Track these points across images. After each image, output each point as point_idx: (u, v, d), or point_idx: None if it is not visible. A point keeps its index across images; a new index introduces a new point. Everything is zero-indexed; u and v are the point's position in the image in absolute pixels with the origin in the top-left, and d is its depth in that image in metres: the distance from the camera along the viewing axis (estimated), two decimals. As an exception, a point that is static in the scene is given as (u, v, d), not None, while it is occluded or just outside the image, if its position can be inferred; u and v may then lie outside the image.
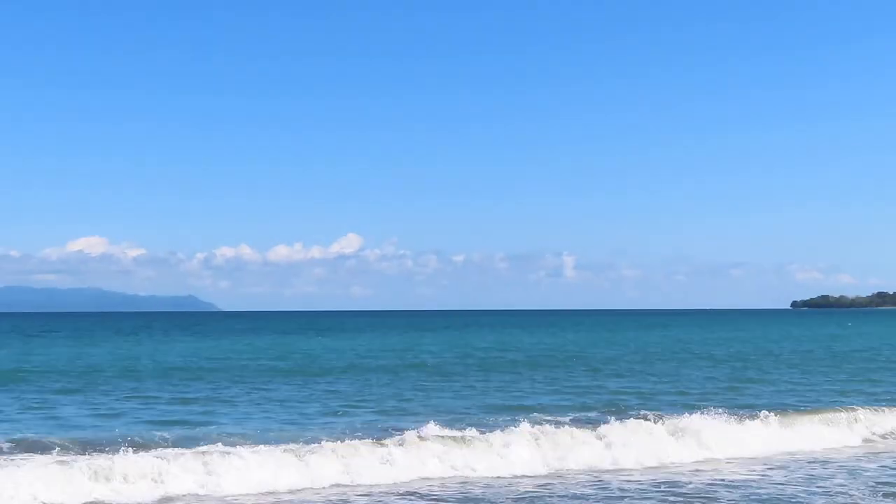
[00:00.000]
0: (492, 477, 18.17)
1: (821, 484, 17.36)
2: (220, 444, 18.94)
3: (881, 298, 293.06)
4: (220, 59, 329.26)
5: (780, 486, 17.09)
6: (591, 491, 16.93)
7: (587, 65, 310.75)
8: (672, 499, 15.97)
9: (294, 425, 25.27)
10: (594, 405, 29.01)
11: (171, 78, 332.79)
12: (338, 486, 17.20)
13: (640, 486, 17.27)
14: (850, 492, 16.35)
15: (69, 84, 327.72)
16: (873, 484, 17.18)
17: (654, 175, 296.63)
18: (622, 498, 16.12)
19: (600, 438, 20.63)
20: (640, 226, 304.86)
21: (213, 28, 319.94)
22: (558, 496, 16.48)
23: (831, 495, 16.06)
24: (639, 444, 20.32)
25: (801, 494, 16.21)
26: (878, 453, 21.64)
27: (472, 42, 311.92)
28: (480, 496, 16.51)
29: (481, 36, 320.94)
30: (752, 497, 16.08)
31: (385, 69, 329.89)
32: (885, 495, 15.92)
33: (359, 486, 17.17)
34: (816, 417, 24.82)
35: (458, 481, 17.85)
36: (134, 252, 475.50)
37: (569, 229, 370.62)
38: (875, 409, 26.67)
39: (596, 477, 18.35)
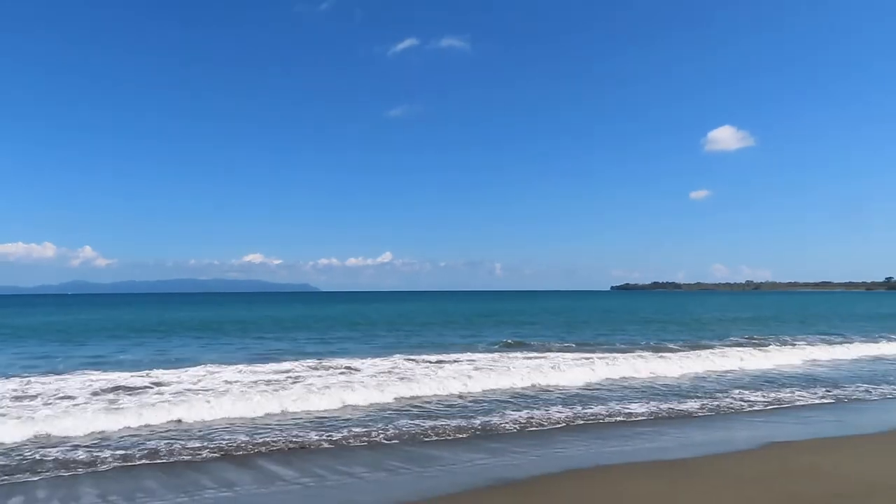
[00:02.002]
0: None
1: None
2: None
3: (655, 285, 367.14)
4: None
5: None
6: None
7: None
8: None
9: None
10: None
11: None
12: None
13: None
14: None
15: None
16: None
17: (543, 214, 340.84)
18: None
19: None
20: (535, 245, 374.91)
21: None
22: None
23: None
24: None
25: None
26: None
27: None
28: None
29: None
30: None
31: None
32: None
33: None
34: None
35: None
36: (276, 261, 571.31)
37: (498, 247, 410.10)
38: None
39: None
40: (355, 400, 15.47)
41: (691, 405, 15.63)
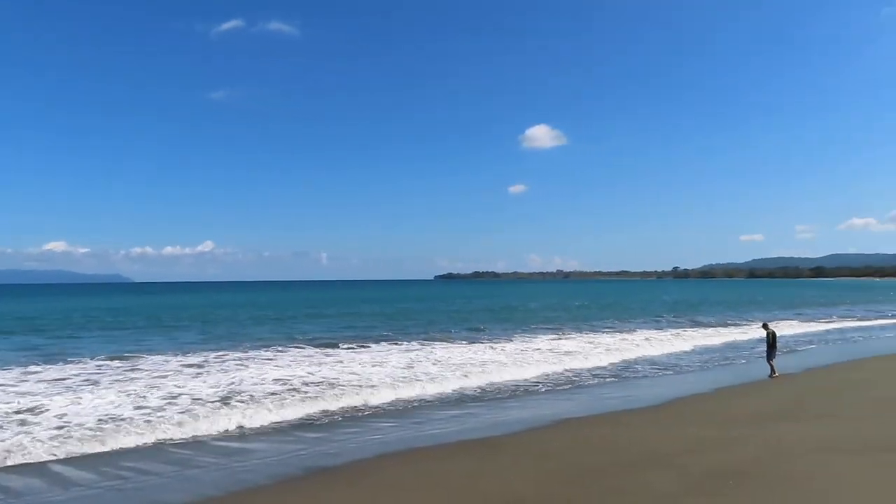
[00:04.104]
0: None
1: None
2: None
3: (477, 275, 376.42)
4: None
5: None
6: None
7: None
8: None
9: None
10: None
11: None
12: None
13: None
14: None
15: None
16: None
17: (369, 203, 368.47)
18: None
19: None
20: (362, 236, 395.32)
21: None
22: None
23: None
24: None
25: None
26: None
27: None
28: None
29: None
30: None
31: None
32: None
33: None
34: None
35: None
36: (83, 249, 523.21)
37: (325, 237, 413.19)
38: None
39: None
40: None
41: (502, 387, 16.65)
